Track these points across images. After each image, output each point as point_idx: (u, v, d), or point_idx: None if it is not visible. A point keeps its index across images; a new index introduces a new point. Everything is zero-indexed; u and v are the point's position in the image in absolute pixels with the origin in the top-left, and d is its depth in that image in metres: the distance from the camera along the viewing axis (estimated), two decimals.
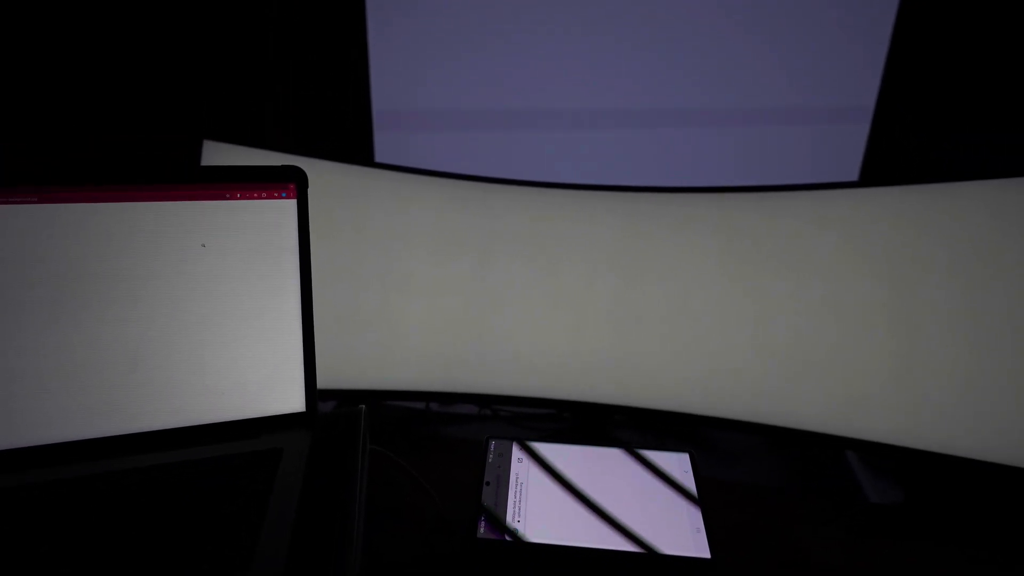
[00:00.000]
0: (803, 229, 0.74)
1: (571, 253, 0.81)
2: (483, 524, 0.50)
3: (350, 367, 0.82)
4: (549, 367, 0.82)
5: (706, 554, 0.49)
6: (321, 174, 0.80)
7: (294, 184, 0.45)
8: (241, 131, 1.42)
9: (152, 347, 0.43)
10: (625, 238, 0.80)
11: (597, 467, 0.60)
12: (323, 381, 0.82)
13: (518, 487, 0.55)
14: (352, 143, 1.43)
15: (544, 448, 0.64)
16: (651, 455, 0.64)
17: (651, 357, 0.79)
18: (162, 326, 0.44)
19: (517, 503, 0.53)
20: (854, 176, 1.21)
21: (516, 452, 0.62)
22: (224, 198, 0.45)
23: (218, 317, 0.44)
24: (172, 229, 0.44)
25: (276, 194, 0.46)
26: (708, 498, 0.58)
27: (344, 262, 0.81)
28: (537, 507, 0.53)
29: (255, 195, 0.46)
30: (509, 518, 0.51)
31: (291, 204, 0.45)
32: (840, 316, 0.73)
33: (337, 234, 0.80)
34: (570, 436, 0.88)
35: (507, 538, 0.48)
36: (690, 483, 0.59)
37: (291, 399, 0.44)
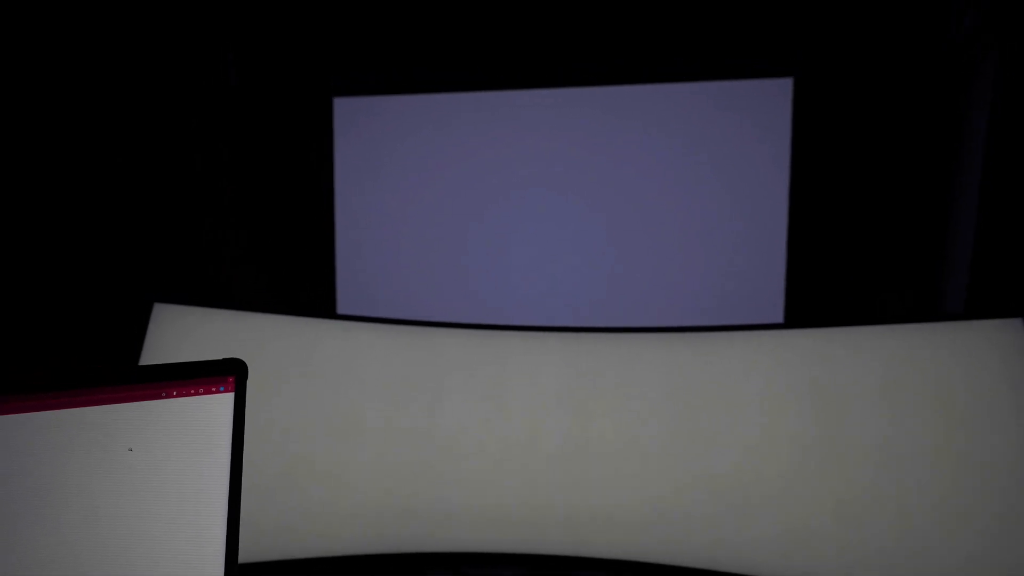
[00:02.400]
0: (735, 367, 0.78)
1: (521, 394, 0.82)
2: None
3: (294, 531, 0.77)
4: (502, 518, 0.79)
5: None
6: (272, 328, 0.80)
7: (233, 377, 0.45)
8: (194, 259, 1.44)
9: (66, 564, 0.40)
10: (571, 378, 0.81)
11: None
12: (266, 552, 0.76)
13: None
14: (314, 297, 1.47)
15: None
16: None
17: (605, 499, 0.78)
18: (78, 540, 0.41)
19: None
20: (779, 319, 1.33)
21: None
22: (159, 397, 0.44)
23: (137, 525, 0.41)
24: (97, 435, 0.42)
25: (214, 389, 0.45)
26: None
27: (292, 415, 0.79)
28: None
29: (191, 392, 0.45)
30: None
31: (228, 399, 0.45)
32: (776, 451, 0.75)
33: (286, 387, 0.79)
34: None
35: None
36: None
37: None
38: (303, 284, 1.48)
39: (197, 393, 0.44)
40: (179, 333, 0.75)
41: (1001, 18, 1.15)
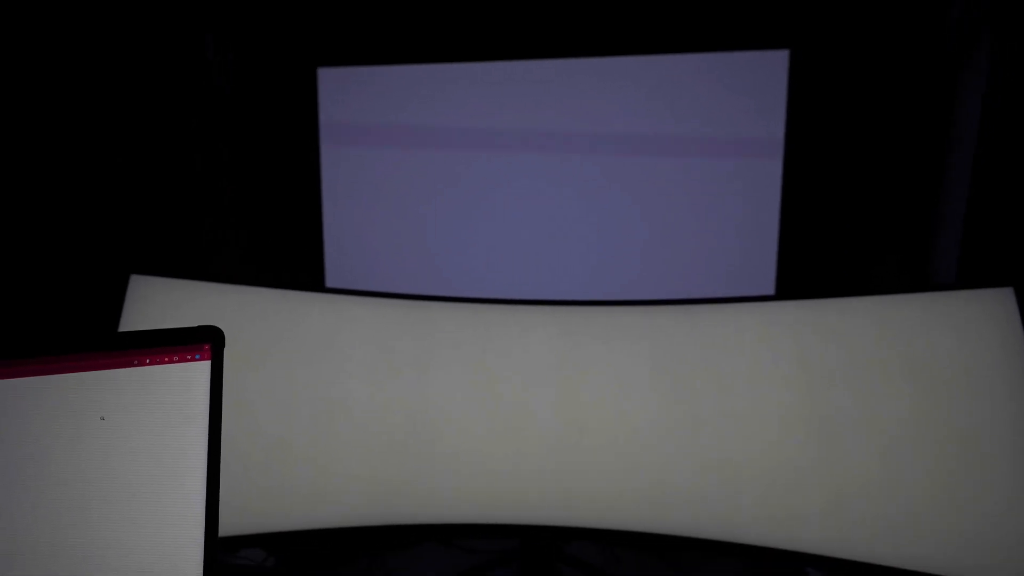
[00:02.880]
0: (723, 339, 0.78)
1: (510, 367, 0.81)
2: None
3: (281, 503, 0.76)
4: (492, 490, 0.79)
5: None
6: (256, 301, 0.78)
7: (209, 345, 0.44)
8: (194, 259, 1.42)
9: (33, 536, 0.39)
10: (560, 351, 0.80)
11: None
12: (253, 525, 0.76)
13: None
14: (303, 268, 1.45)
15: None
16: None
17: (593, 472, 0.78)
18: (50, 511, 0.39)
19: None
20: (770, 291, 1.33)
21: None
22: (132, 365, 0.43)
23: (113, 497, 0.40)
24: (68, 404, 0.41)
25: (189, 357, 0.44)
26: None
27: (278, 390, 0.77)
28: None
29: (166, 359, 0.43)
30: None
31: (204, 366, 0.43)
32: (764, 424, 0.75)
33: (271, 361, 0.77)
34: (519, 562, 0.84)
35: None
36: None
37: None
38: (289, 257, 1.46)
39: (172, 361, 0.43)
40: (158, 307, 0.74)
41: None
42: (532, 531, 0.77)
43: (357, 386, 0.78)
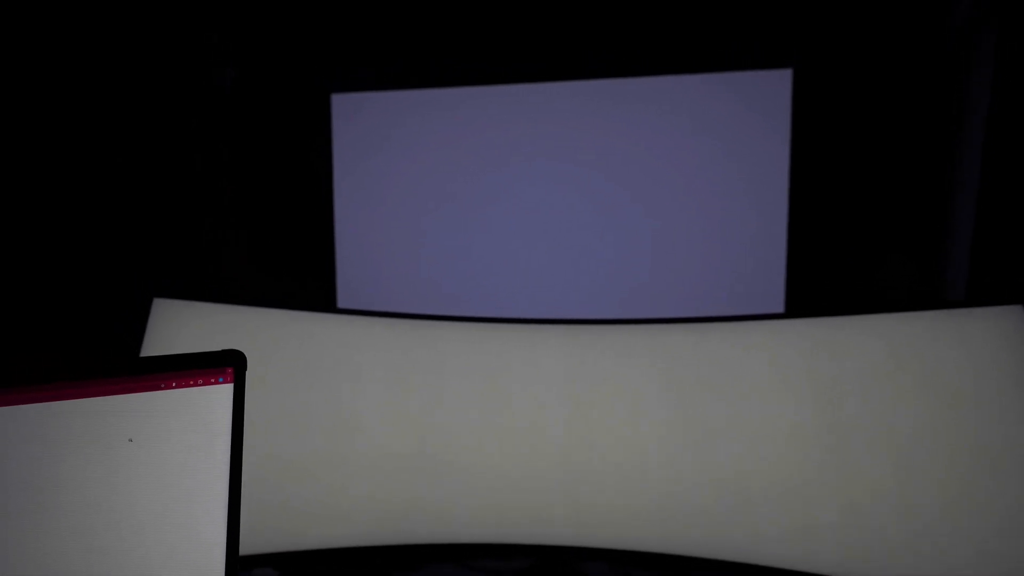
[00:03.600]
0: (733, 357, 0.78)
1: (521, 387, 0.82)
2: None
3: (294, 523, 0.77)
4: (505, 509, 0.79)
5: None
6: (272, 323, 0.80)
7: (232, 368, 0.45)
8: (195, 259, 1.45)
9: (65, 555, 0.40)
10: (571, 369, 0.81)
11: None
12: (265, 544, 0.76)
13: None
14: (314, 291, 1.48)
15: None
16: None
17: (606, 490, 0.78)
18: (77, 532, 0.41)
19: None
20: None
21: None
22: (158, 388, 0.44)
23: (139, 519, 0.41)
24: (97, 427, 0.42)
25: (213, 380, 0.45)
26: None
27: (292, 409, 0.79)
28: None
29: (191, 383, 0.45)
30: None
31: (227, 389, 0.44)
32: (776, 442, 0.75)
33: (286, 382, 0.79)
34: None
35: None
36: None
37: None
38: (303, 280, 1.48)
39: (196, 384, 0.44)
40: (178, 328, 0.75)
41: (999, 6, 1.15)
42: (545, 551, 0.76)
43: (370, 405, 0.79)
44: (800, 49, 1.34)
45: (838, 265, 1.36)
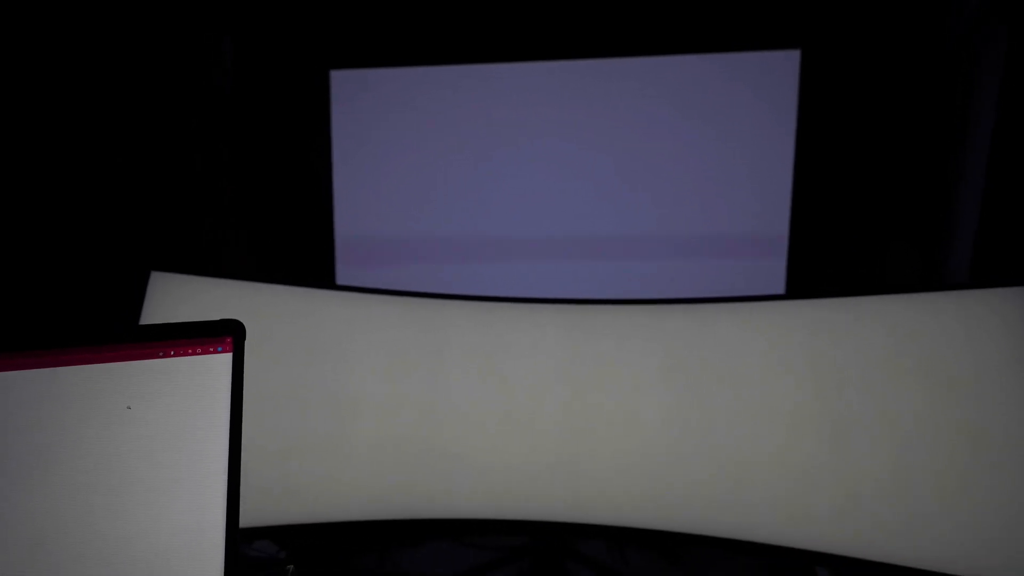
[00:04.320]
0: (734, 338, 0.78)
1: (521, 366, 0.82)
2: None
3: (294, 498, 0.78)
4: (504, 487, 0.79)
5: None
6: (272, 299, 0.80)
7: (231, 338, 0.45)
8: (195, 259, 1.44)
9: (63, 519, 0.40)
10: (571, 349, 0.81)
11: None
12: (265, 517, 0.77)
13: None
14: (314, 269, 1.47)
15: None
16: None
17: (604, 470, 0.78)
18: (76, 498, 0.41)
19: None
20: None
21: None
22: (157, 356, 0.44)
23: (137, 483, 0.41)
24: (96, 393, 0.42)
25: (212, 349, 0.45)
26: None
27: (293, 386, 0.79)
28: None
29: (189, 351, 0.45)
30: None
31: (226, 359, 0.44)
32: (776, 423, 0.75)
33: (286, 358, 0.79)
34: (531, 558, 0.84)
35: None
36: None
37: (211, 568, 0.41)
38: (302, 261, 1.48)
39: (195, 353, 0.44)
40: (176, 303, 0.75)
41: None
42: (542, 528, 0.77)
43: (370, 383, 0.79)
44: (808, 30, 1.32)
45: (841, 251, 1.35)
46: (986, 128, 1.20)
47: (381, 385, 0.79)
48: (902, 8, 1.29)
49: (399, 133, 1.42)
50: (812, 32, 1.32)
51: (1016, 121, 1.14)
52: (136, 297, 0.74)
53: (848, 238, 1.35)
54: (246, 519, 0.74)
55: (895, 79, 1.31)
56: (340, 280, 1.47)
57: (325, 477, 0.78)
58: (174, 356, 0.44)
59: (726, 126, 1.36)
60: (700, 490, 0.75)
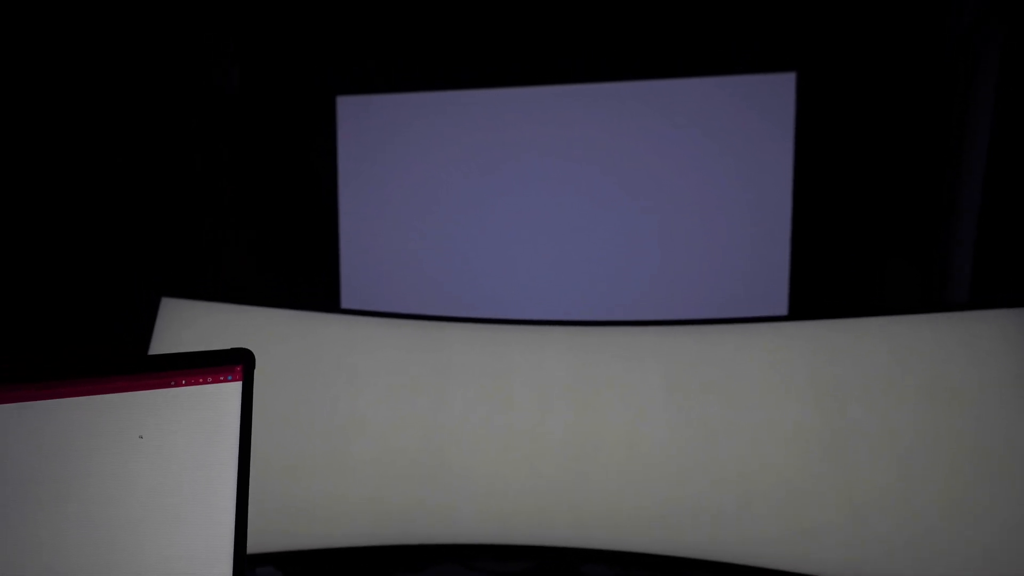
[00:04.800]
0: (736, 359, 0.78)
1: (525, 388, 0.82)
2: None
3: (297, 522, 0.77)
4: (508, 510, 0.79)
5: None
6: (276, 322, 0.81)
7: (241, 366, 0.46)
8: (205, 279, 1.46)
9: (72, 551, 0.41)
10: (575, 371, 0.82)
11: None
12: (267, 543, 0.77)
13: None
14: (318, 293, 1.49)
15: None
16: None
17: (608, 492, 0.78)
18: (88, 527, 0.41)
19: None
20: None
21: None
22: (168, 386, 0.45)
23: (149, 516, 0.42)
24: (107, 424, 0.43)
25: (222, 378, 0.46)
26: None
27: (295, 409, 0.79)
28: None
29: (200, 380, 0.45)
30: None
31: (236, 387, 0.45)
32: (779, 444, 0.75)
33: (289, 380, 0.79)
34: None
35: None
36: None
37: None
38: (307, 281, 1.49)
39: (206, 382, 0.45)
40: (185, 326, 0.76)
41: (1003, 9, 1.15)
42: (547, 552, 0.77)
43: (373, 406, 0.80)
44: (804, 53, 1.35)
45: (842, 269, 1.36)
46: (981, 146, 1.22)
47: (385, 408, 0.80)
48: (895, 30, 1.31)
49: (404, 155, 1.44)
50: (807, 55, 1.35)
51: (1011, 139, 1.16)
52: (143, 322, 0.75)
53: (849, 255, 1.36)
54: (249, 545, 0.74)
55: (889, 99, 1.33)
56: (345, 299, 1.48)
57: (328, 501, 0.77)
58: (185, 385, 0.45)
59: (726, 147, 1.38)
60: (704, 513, 0.75)
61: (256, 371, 0.68)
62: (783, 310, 1.35)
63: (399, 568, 0.94)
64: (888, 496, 0.70)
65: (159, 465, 0.43)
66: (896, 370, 0.72)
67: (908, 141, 1.33)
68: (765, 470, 0.74)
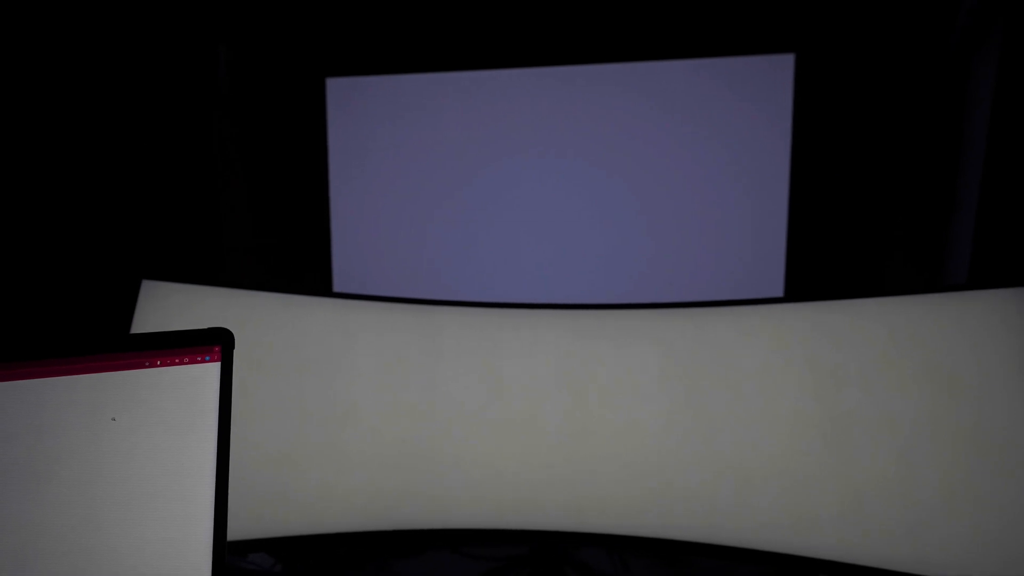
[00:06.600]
0: (733, 342, 0.77)
1: (519, 372, 0.80)
2: None
3: (290, 509, 0.76)
4: (501, 495, 0.78)
5: None
6: (265, 306, 0.79)
7: (219, 347, 0.44)
8: (193, 264, 1.43)
9: (45, 533, 0.39)
10: (569, 354, 0.80)
11: None
12: (260, 530, 0.76)
13: None
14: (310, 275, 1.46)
15: None
16: None
17: (603, 477, 0.77)
18: (61, 511, 0.39)
19: None
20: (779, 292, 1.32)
21: None
22: (143, 366, 0.43)
23: (122, 498, 0.40)
24: (80, 405, 0.41)
25: (199, 358, 0.44)
26: None
27: (287, 394, 0.77)
28: None
29: (176, 361, 0.43)
30: None
31: (214, 368, 0.43)
32: (776, 428, 0.74)
33: (280, 366, 0.77)
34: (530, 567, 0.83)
35: None
36: None
37: None
38: (299, 266, 1.47)
39: (182, 363, 0.43)
40: (168, 311, 0.74)
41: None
42: (542, 537, 0.76)
43: (365, 392, 0.78)
44: (802, 34, 1.32)
45: (838, 256, 1.34)
46: (981, 132, 1.20)
47: (377, 393, 0.78)
48: (896, 12, 1.29)
49: (394, 138, 1.42)
50: (806, 37, 1.32)
51: (1011, 124, 1.14)
52: (127, 306, 0.73)
53: (845, 243, 1.34)
54: (241, 531, 0.73)
55: (889, 82, 1.31)
56: (337, 283, 1.46)
57: (321, 487, 0.76)
58: (161, 366, 0.43)
59: (722, 131, 1.36)
60: (700, 496, 0.74)
61: (246, 358, 0.66)
62: (779, 293, 1.33)
63: (392, 553, 0.93)
64: (887, 481, 0.69)
65: (133, 448, 0.41)
66: (893, 352, 0.71)
67: (908, 126, 1.31)
68: (763, 454, 0.73)
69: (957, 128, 1.28)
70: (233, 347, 0.44)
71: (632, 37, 1.36)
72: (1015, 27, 1.11)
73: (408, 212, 1.43)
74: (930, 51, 1.28)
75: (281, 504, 0.76)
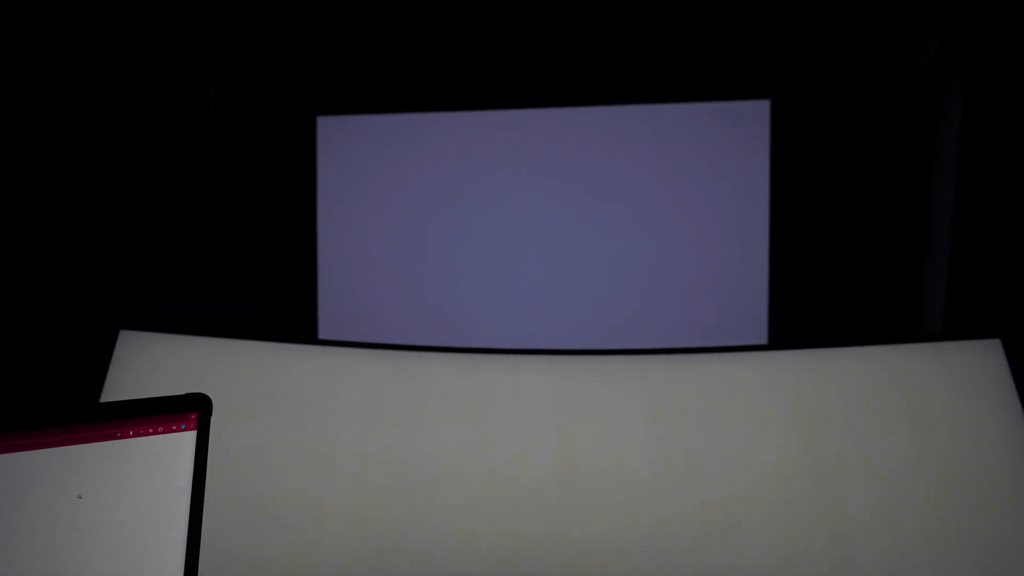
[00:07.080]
0: (719, 388, 0.77)
1: (504, 419, 0.79)
2: None
3: (270, 564, 0.73)
4: (488, 543, 0.75)
5: None
6: (245, 355, 0.77)
7: (196, 414, 0.42)
8: (179, 299, 1.40)
9: None
10: (556, 401, 0.79)
11: None
12: None
13: None
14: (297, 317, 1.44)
15: None
16: None
17: (591, 522, 0.75)
18: None
19: None
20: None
21: None
22: (115, 437, 0.41)
23: (90, 573, 0.38)
24: (45, 481, 0.39)
25: (175, 427, 0.42)
26: None
27: (265, 447, 0.75)
28: None
29: (150, 431, 0.42)
30: None
31: (189, 437, 0.41)
32: (763, 474, 0.73)
33: (259, 416, 0.75)
34: None
35: None
36: None
37: None
38: (285, 304, 1.44)
39: (156, 432, 0.41)
40: (147, 362, 0.72)
41: (967, 39, 1.19)
42: None
43: (348, 441, 0.76)
44: (777, 81, 1.37)
45: (819, 296, 1.36)
46: (950, 171, 1.24)
47: (360, 443, 0.76)
48: (866, 58, 1.34)
49: (384, 175, 1.42)
50: (781, 83, 1.37)
51: (980, 166, 1.18)
52: (103, 357, 0.71)
53: (825, 276, 1.37)
54: None
55: (862, 125, 1.35)
56: (323, 322, 1.44)
57: (303, 540, 0.73)
58: (133, 436, 0.41)
59: (702, 173, 1.38)
60: (688, 541, 0.72)
61: (227, 406, 0.64)
62: (763, 336, 1.34)
63: None
64: (870, 523, 0.69)
65: (97, 527, 0.39)
66: (876, 399, 0.72)
67: (881, 166, 1.35)
68: (748, 498, 0.73)
69: (928, 170, 1.33)
70: (211, 413, 0.42)
71: (613, 82, 1.40)
72: (977, 78, 1.17)
73: (396, 251, 1.43)
74: (899, 97, 1.33)
75: (260, 560, 0.72)
